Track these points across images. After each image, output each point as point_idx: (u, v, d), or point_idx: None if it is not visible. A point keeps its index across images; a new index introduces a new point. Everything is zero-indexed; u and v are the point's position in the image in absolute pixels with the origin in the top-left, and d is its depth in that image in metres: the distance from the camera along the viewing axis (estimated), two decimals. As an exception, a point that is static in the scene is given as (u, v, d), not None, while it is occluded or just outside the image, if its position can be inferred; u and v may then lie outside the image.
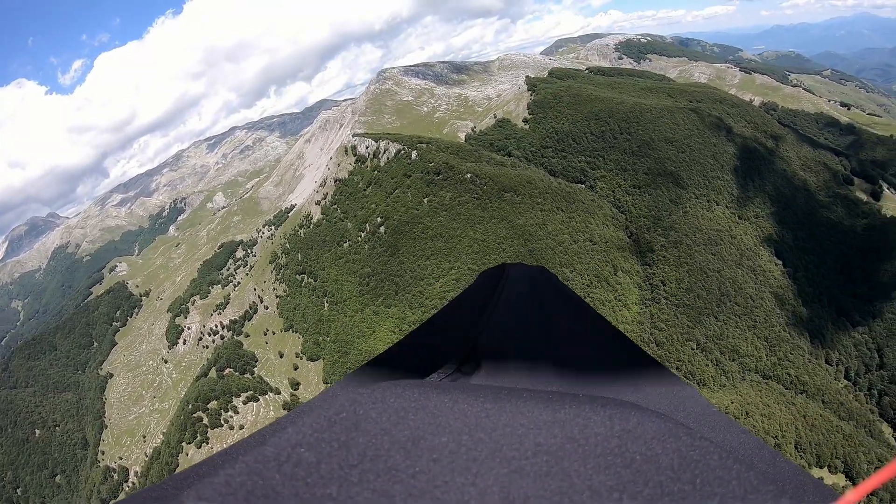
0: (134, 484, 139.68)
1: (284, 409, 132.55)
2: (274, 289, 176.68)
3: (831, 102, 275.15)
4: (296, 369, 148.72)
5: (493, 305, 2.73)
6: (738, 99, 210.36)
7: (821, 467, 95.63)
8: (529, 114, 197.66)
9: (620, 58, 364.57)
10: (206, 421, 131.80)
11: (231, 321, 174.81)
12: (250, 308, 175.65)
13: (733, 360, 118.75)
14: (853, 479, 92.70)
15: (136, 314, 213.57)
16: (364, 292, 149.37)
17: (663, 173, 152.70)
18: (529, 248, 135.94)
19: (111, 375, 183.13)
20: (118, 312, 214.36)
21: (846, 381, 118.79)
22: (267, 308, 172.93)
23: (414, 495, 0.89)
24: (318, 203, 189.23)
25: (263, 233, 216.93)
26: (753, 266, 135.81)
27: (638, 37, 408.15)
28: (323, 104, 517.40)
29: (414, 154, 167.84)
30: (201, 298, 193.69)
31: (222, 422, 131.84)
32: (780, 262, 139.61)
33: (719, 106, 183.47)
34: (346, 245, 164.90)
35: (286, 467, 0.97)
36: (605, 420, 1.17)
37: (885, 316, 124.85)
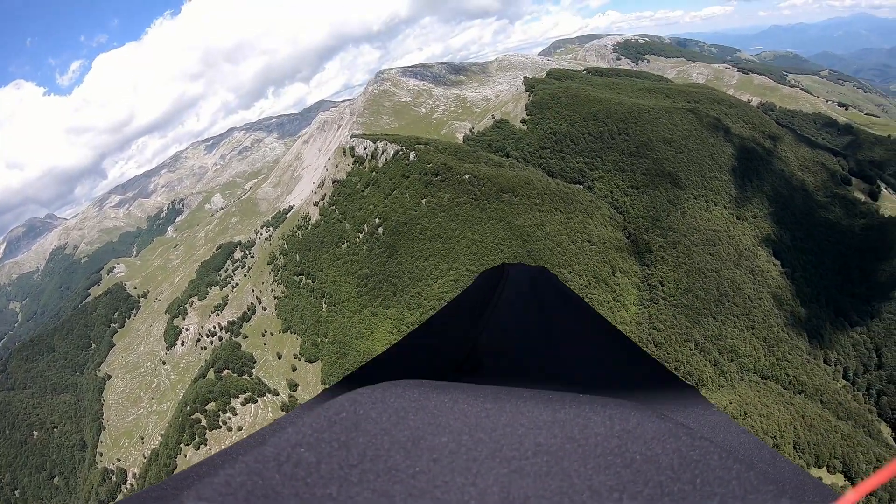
0: (132, 485, 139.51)
1: (283, 410, 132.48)
2: (272, 290, 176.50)
3: (829, 103, 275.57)
4: (294, 370, 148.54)
5: (493, 306, 2.71)
6: (735, 99, 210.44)
7: (819, 467, 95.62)
8: (527, 114, 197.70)
9: (618, 58, 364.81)
10: (204, 422, 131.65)
11: (229, 322, 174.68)
12: (248, 309, 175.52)
13: (732, 361, 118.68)
14: (852, 478, 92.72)
15: (134, 315, 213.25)
16: (362, 293, 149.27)
17: (661, 174, 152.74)
18: (527, 248, 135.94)
19: (109, 377, 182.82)
20: (116, 314, 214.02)
21: (844, 381, 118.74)
22: (265, 309, 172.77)
23: (414, 495, 0.89)
24: (316, 204, 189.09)
25: (261, 234, 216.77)
26: (752, 266, 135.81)
27: (636, 37, 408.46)
28: (321, 105, 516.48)
29: (412, 155, 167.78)
30: (199, 300, 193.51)
31: (220, 423, 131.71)
32: (778, 262, 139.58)
33: (717, 106, 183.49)
34: (344, 246, 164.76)
35: (286, 467, 0.97)
36: (605, 420, 1.17)
37: (883, 316, 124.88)
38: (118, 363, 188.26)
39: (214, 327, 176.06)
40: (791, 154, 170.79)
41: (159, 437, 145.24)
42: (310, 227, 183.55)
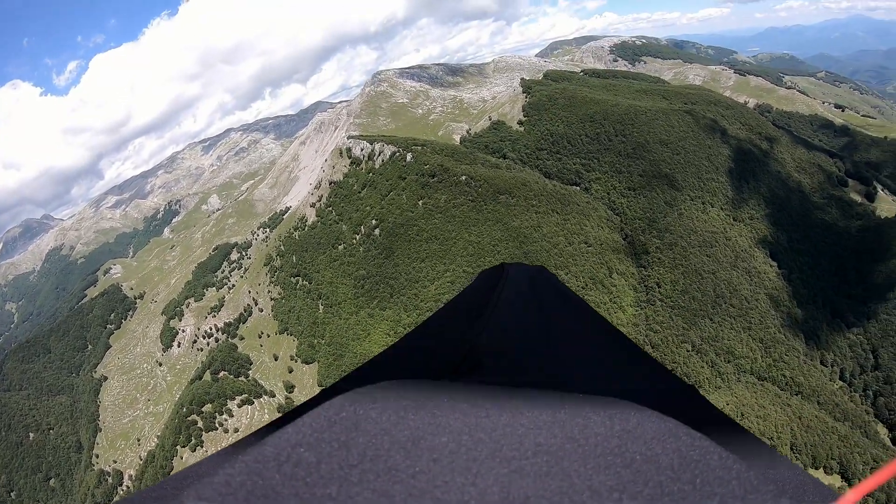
0: (128, 487, 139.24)
1: (279, 412, 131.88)
2: (269, 291, 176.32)
3: (825, 104, 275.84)
4: (290, 372, 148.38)
5: (493, 305, 2.71)
6: (732, 101, 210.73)
7: (816, 468, 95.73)
8: (524, 116, 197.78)
9: (615, 60, 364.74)
10: (200, 424, 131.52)
11: (226, 324, 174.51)
12: (245, 311, 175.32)
13: (728, 362, 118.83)
14: (849, 479, 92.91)
15: (131, 317, 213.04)
16: (359, 295, 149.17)
17: (658, 175, 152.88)
18: (524, 250, 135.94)
19: (105, 378, 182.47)
20: (112, 315, 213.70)
21: (841, 382, 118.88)
22: (262, 311, 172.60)
23: (414, 495, 0.89)
24: (312, 205, 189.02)
25: (258, 235, 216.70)
26: (748, 268, 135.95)
27: (633, 39, 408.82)
28: (318, 106, 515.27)
29: (409, 156, 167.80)
30: (196, 301, 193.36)
31: (217, 425, 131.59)
32: (774, 263, 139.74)
33: (714, 108, 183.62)
34: (340, 247, 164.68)
35: (286, 467, 0.96)
36: (605, 420, 1.16)
37: (879, 317, 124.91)
38: (114, 364, 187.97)
39: (211, 329, 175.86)
40: (788, 156, 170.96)
41: (155, 439, 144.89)
42: (306, 228, 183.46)
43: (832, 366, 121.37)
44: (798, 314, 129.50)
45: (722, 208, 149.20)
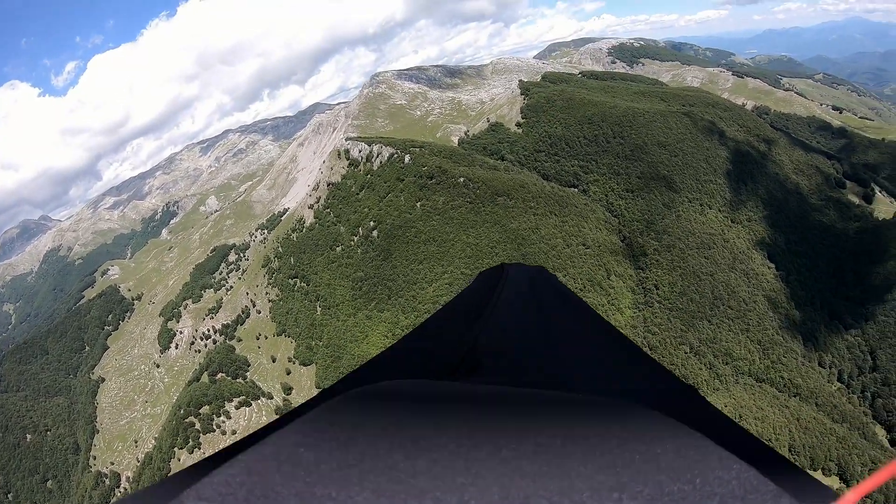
0: (126, 489, 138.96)
1: (277, 413, 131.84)
2: (266, 293, 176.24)
3: (823, 106, 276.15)
4: (288, 374, 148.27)
5: (493, 306, 2.69)
6: (730, 103, 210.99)
7: (815, 470, 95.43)
8: (522, 118, 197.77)
9: (613, 62, 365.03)
10: (198, 426, 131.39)
11: (223, 325, 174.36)
12: (243, 312, 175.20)
13: (726, 364, 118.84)
14: (847, 481, 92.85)
15: (128, 318, 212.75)
16: (357, 296, 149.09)
17: (656, 177, 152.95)
18: (522, 252, 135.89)
19: (103, 380, 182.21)
20: (110, 316, 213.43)
21: (839, 384, 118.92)
22: (259, 312, 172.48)
23: (414, 495, 0.89)
24: (310, 207, 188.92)
25: (256, 237, 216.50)
26: (746, 269, 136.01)
27: (631, 41, 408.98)
28: (316, 108, 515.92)
29: (407, 158, 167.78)
30: (193, 302, 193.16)
31: (214, 427, 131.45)
32: (772, 265, 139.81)
33: (712, 110, 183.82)
34: (338, 249, 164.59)
35: (286, 467, 0.97)
36: (604, 420, 1.16)
37: (877, 318, 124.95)
38: (112, 366, 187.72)
39: (208, 330, 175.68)
40: (785, 157, 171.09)
41: (153, 441, 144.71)
42: (304, 229, 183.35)
43: (830, 367, 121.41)
44: (796, 316, 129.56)
45: (720, 210, 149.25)
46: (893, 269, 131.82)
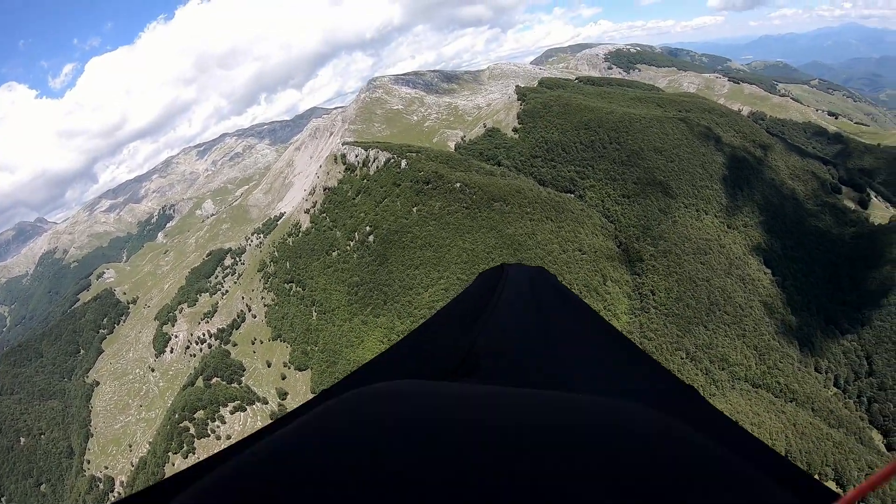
0: (119, 493, 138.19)
1: (272, 419, 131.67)
2: (262, 297, 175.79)
3: (819, 112, 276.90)
4: (283, 379, 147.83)
5: (493, 306, 2.70)
6: (726, 109, 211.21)
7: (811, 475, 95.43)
8: (519, 123, 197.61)
9: (610, 68, 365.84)
10: (192, 431, 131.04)
11: (219, 330, 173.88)
12: (238, 317, 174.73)
13: (723, 369, 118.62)
14: (844, 486, 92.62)
15: (124, 321, 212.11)
16: (352, 302, 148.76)
17: (652, 183, 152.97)
18: (519, 257, 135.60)
19: (97, 383, 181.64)
20: (105, 319, 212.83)
21: (836, 389, 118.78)
22: (255, 317, 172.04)
23: (413, 495, 0.88)
24: (307, 211, 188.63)
25: (252, 241, 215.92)
26: (742, 275, 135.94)
27: (627, 47, 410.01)
28: (313, 112, 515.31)
29: (403, 163, 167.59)
30: (189, 306, 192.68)
31: (209, 431, 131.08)
32: (768, 270, 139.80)
33: (708, 116, 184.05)
34: (334, 254, 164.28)
35: (285, 467, 0.95)
36: (604, 420, 1.17)
37: (873, 323, 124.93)
38: (106, 370, 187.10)
39: (204, 334, 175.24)
40: (781, 163, 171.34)
41: (147, 445, 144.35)
42: (300, 234, 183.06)
43: (826, 372, 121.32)
44: (792, 321, 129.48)
45: (716, 216, 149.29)
46: (889, 274, 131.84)
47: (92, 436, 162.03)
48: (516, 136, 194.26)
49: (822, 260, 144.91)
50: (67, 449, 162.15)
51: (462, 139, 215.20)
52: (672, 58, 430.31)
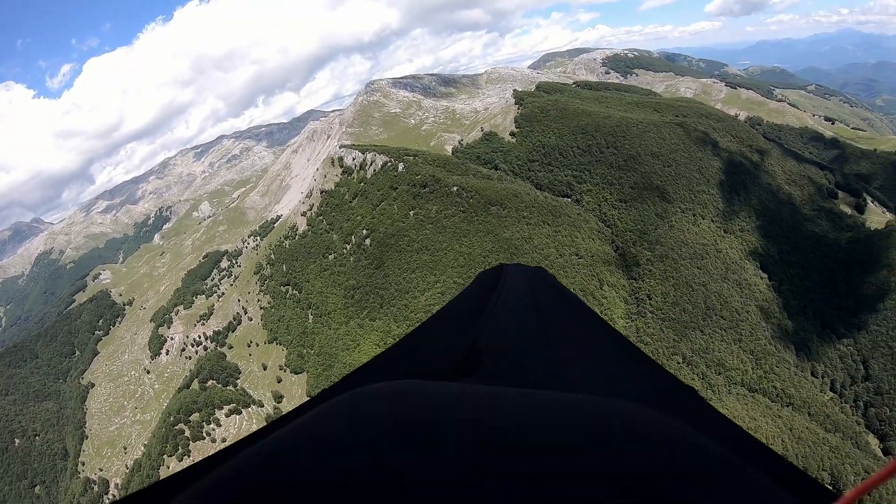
0: (114, 496, 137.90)
1: (267, 422, 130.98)
2: (258, 300, 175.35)
3: (816, 117, 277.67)
4: (279, 382, 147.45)
5: (492, 306, 2.70)
6: (723, 114, 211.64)
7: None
8: (516, 127, 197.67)
9: (607, 72, 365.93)
10: (187, 433, 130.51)
11: (215, 332, 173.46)
12: (234, 319, 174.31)
13: (719, 374, 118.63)
14: (840, 490, 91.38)
15: (119, 323, 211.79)
16: (349, 305, 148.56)
17: (649, 187, 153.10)
18: (515, 261, 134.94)
19: (92, 385, 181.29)
20: (101, 321, 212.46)
21: (832, 394, 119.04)
22: (251, 319, 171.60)
23: (413, 495, 0.88)
24: (303, 214, 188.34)
25: (249, 243, 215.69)
26: (739, 280, 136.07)
27: (625, 52, 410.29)
28: (311, 115, 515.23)
29: (400, 166, 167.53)
30: (185, 308, 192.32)
31: (204, 434, 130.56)
32: (765, 275, 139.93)
33: (705, 120, 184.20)
34: (331, 257, 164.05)
35: (285, 467, 0.95)
36: (604, 420, 1.16)
37: (870, 328, 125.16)
38: (102, 371, 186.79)
39: (199, 337, 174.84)
40: (778, 168, 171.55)
41: (142, 448, 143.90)
42: (297, 237, 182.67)
43: (823, 377, 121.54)
44: (788, 326, 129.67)
45: (713, 220, 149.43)
46: (885, 279, 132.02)
47: (87, 437, 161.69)
48: (513, 140, 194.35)
49: (818, 265, 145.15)
50: (62, 451, 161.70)
51: (459, 143, 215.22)
52: (669, 63, 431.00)
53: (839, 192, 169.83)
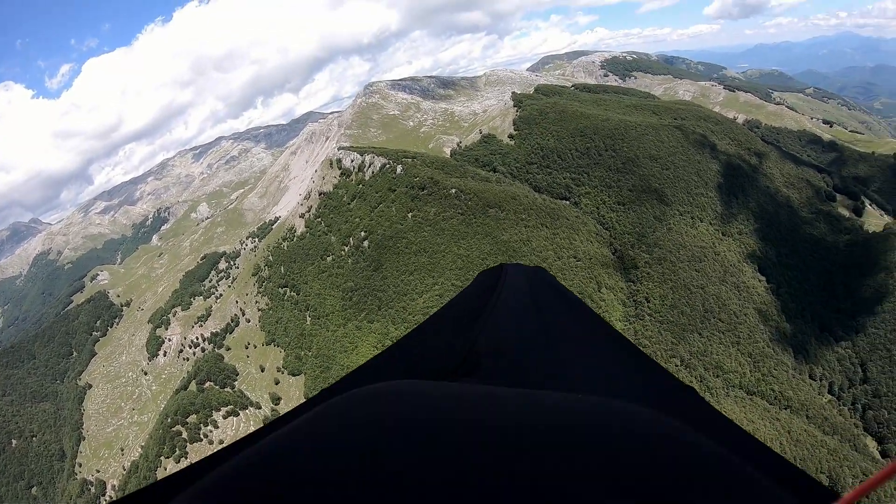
0: (111, 497, 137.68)
1: (264, 424, 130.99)
2: (256, 302, 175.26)
3: (814, 120, 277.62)
4: (277, 384, 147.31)
5: (492, 306, 2.69)
6: (722, 116, 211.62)
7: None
8: (515, 130, 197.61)
9: (606, 75, 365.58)
10: (185, 435, 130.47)
11: (212, 333, 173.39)
12: (232, 321, 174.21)
13: (717, 377, 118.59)
14: (838, 493, 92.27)
15: (117, 324, 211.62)
16: (347, 307, 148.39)
17: (648, 190, 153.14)
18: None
19: (90, 386, 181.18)
20: (98, 322, 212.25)
21: (830, 396, 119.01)
22: (249, 321, 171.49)
23: (412, 494, 0.88)
24: (302, 216, 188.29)
25: (247, 245, 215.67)
26: (737, 282, 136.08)
27: (624, 54, 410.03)
28: (309, 116, 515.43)
29: (399, 168, 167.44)
30: (183, 310, 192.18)
31: (202, 436, 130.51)
32: (763, 278, 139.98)
33: (703, 123, 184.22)
34: (329, 259, 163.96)
35: (285, 467, 0.95)
36: (604, 420, 1.17)
37: (868, 331, 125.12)
38: (99, 372, 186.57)
39: (197, 338, 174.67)
40: (776, 171, 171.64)
41: (139, 449, 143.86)
42: (295, 238, 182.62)
43: (821, 380, 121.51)
44: (787, 329, 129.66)
45: (711, 223, 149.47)
46: (883, 282, 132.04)
47: (84, 439, 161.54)
48: (512, 142, 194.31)
49: (816, 267, 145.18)
50: (59, 452, 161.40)
51: (458, 145, 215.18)
52: (668, 66, 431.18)
53: (837, 194, 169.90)
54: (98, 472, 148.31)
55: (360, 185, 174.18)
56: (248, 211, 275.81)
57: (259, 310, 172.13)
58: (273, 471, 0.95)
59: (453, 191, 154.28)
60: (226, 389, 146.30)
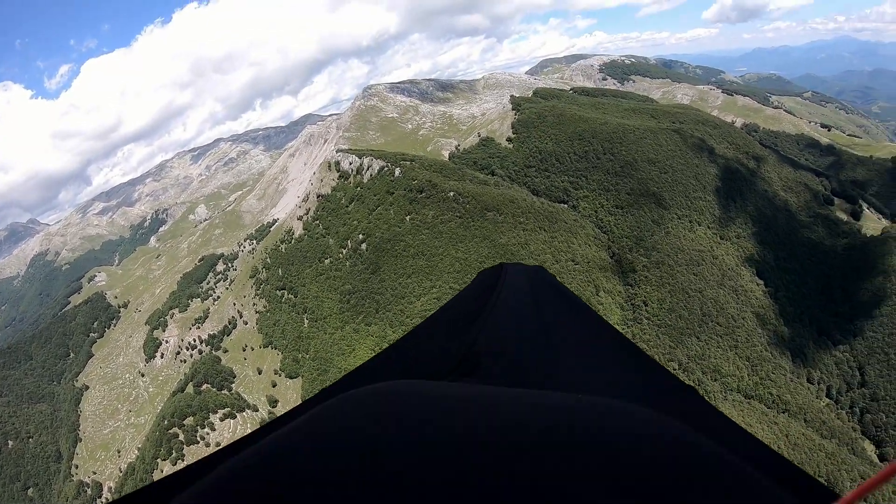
0: (107, 499, 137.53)
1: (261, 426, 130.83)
2: (254, 304, 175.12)
3: (812, 124, 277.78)
4: (274, 386, 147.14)
5: (492, 305, 2.69)
6: (720, 120, 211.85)
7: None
8: (513, 133, 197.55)
9: (604, 78, 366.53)
10: (181, 437, 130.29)
11: (210, 336, 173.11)
12: (229, 323, 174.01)
13: (715, 380, 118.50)
14: (838, 493, 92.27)
15: (114, 326, 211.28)
16: (344, 310, 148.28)
17: (646, 194, 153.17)
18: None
19: (87, 387, 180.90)
20: (96, 323, 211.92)
21: (828, 400, 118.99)
22: (246, 323, 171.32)
23: (412, 494, 0.88)
24: (300, 218, 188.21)
25: (244, 247, 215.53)
26: (735, 286, 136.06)
27: (622, 58, 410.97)
28: (308, 118, 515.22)
29: (397, 171, 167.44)
30: (180, 312, 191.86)
31: (198, 438, 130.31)
32: (761, 281, 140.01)
33: (702, 127, 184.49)
34: (327, 261, 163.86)
35: (285, 467, 0.95)
36: (604, 420, 1.17)
37: (865, 334, 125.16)
38: (96, 374, 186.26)
39: (194, 340, 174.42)
40: (774, 174, 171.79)
41: (136, 451, 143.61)
42: (293, 241, 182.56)
43: (819, 383, 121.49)
44: (784, 332, 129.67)
45: (709, 227, 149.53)
46: (881, 286, 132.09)
47: (80, 440, 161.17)
48: (510, 145, 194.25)
49: (814, 271, 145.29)
50: (56, 453, 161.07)
51: (456, 148, 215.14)
52: (666, 69, 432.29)
53: (835, 198, 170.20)
54: (94, 473, 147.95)
55: (359, 188, 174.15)
56: (246, 213, 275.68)
57: (256, 312, 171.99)
58: (272, 471, 0.95)
59: (451, 194, 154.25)
60: (223, 392, 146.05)
